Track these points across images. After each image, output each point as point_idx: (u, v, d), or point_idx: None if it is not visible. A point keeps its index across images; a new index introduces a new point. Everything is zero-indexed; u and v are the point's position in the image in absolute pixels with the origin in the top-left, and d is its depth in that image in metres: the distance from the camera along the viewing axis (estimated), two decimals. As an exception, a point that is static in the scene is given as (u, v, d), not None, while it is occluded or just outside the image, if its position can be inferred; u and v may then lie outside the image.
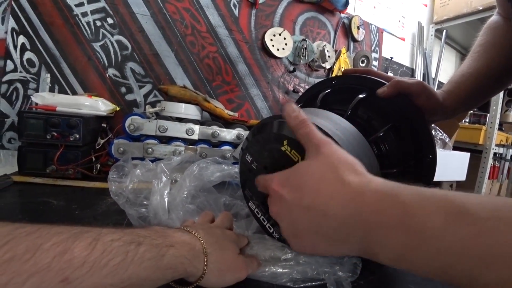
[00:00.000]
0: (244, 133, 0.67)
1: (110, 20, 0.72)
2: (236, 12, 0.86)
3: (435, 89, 1.29)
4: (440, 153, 0.78)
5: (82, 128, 0.55)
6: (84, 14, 0.70)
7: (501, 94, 1.12)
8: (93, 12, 0.71)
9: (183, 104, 0.64)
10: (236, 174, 0.43)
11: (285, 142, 0.28)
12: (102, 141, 0.62)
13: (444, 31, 1.32)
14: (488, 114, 1.15)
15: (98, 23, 0.71)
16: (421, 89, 0.36)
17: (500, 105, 1.11)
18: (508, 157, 1.34)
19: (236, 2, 0.86)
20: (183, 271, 0.20)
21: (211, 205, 0.37)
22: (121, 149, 0.58)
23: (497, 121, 1.10)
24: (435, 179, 0.85)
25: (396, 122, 0.36)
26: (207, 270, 0.21)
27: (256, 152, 0.33)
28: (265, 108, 0.93)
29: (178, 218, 0.32)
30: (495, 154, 1.19)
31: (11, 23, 0.65)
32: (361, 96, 0.37)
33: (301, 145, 0.26)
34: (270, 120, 0.32)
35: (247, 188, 0.36)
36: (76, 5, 0.69)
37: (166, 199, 0.35)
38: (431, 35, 1.33)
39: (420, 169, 0.35)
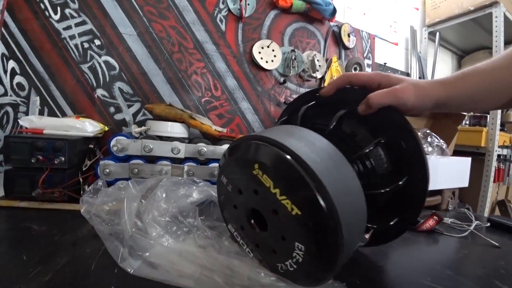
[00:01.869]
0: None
1: (97, 42, 0.75)
2: (222, 27, 0.88)
3: None
4: (439, 160, 0.77)
5: (68, 150, 0.56)
6: (72, 37, 0.73)
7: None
8: (80, 34, 0.74)
9: (169, 123, 0.65)
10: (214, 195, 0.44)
11: (256, 166, 0.27)
12: (89, 162, 0.64)
13: (437, 33, 1.32)
14: (488, 115, 1.13)
15: (86, 45, 0.74)
16: (379, 77, 0.35)
17: (499, 121, 1.10)
18: None
19: (222, 17, 0.88)
20: None
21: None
22: (107, 170, 0.59)
23: (498, 121, 1.09)
24: (436, 187, 0.83)
25: (383, 137, 0.34)
26: None
27: (230, 174, 0.32)
28: (257, 122, 0.94)
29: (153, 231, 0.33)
30: (499, 156, 1.17)
31: (1, 48, 0.68)
32: (342, 111, 0.36)
33: (270, 170, 0.25)
34: (242, 141, 0.31)
35: (226, 210, 0.36)
36: (64, 29, 0.73)
37: (133, 214, 0.35)
38: (425, 38, 1.34)
39: (410, 188, 0.34)
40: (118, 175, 0.60)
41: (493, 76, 0.33)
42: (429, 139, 0.69)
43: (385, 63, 1.19)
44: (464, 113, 0.83)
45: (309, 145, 0.27)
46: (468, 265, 0.43)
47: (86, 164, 0.63)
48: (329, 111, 0.38)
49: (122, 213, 0.33)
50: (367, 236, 0.34)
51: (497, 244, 0.51)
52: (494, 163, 1.07)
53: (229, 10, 0.88)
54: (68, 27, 0.73)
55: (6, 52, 0.69)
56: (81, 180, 0.60)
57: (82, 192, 0.60)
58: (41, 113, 0.72)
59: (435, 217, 0.58)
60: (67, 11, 0.73)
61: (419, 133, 0.69)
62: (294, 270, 0.26)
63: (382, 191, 0.34)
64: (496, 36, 1.07)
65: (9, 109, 0.70)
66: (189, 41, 0.84)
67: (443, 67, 1.52)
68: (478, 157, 1.08)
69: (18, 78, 0.70)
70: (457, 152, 1.01)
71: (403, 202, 0.35)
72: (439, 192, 0.79)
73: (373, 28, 1.18)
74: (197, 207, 0.42)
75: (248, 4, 0.90)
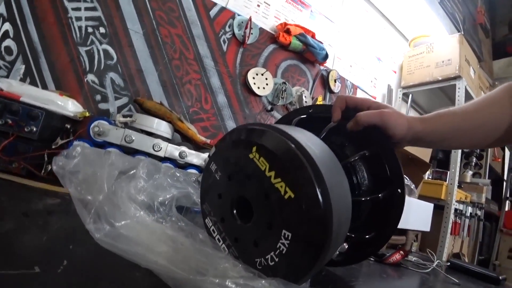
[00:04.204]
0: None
1: (102, 30, 0.78)
2: (224, 47, 0.96)
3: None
4: (407, 199, 0.82)
5: (43, 121, 0.54)
6: (78, 19, 0.75)
7: (459, 155, 1.27)
8: (87, 18, 0.76)
9: (156, 119, 0.66)
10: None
11: (254, 149, 0.28)
12: (61, 142, 0.61)
13: (410, 95, 1.54)
14: (448, 172, 1.28)
15: (90, 30, 0.76)
16: (370, 102, 0.40)
17: (458, 164, 1.25)
18: (468, 214, 1.45)
19: (226, 39, 0.96)
20: None
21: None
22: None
23: (457, 178, 1.23)
24: (403, 226, 0.88)
25: (367, 151, 0.37)
26: None
27: (223, 159, 0.33)
28: (239, 138, 0.97)
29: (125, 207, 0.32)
30: (456, 210, 1.29)
31: (1, 8, 0.67)
32: (332, 124, 0.39)
33: (269, 153, 0.26)
34: (241, 127, 0.32)
35: (206, 202, 0.36)
36: (73, 9, 0.75)
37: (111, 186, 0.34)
38: (399, 98, 1.54)
39: (389, 201, 0.37)
40: (89, 159, 0.57)
41: (465, 118, 0.40)
42: (401, 167, 0.76)
43: (363, 112, 1.33)
44: (429, 164, 0.94)
45: (308, 139, 0.29)
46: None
47: (57, 142, 0.60)
48: (321, 126, 0.41)
49: (99, 178, 0.32)
50: (346, 245, 0.36)
51: (457, 281, 0.55)
52: (452, 216, 1.17)
53: (233, 34, 0.97)
54: (77, 9, 0.75)
55: (5, 13, 0.68)
56: (46, 157, 0.57)
57: (43, 171, 0.57)
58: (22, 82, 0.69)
59: (401, 251, 0.62)
60: None
61: None
62: (275, 264, 0.26)
63: (363, 199, 0.37)
64: (458, 105, 1.28)
65: (-13, 70, 0.67)
66: (191, 52, 0.90)
67: None
68: (438, 210, 1.19)
69: (8, 42, 0.68)
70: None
71: (380, 217, 0.38)
72: (404, 232, 0.84)
73: (356, 80, 1.34)
74: (175, 196, 0.41)
75: (252, 33, 1.00)
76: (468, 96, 1.32)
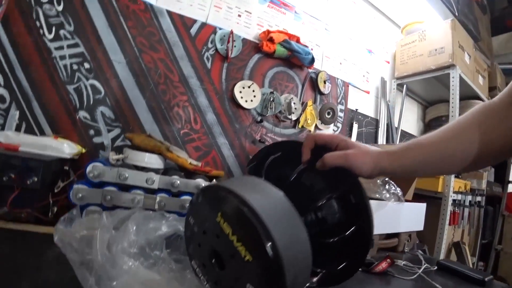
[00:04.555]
0: (205, 183, 0.74)
1: (87, 65, 0.82)
2: (208, 64, 0.99)
3: (398, 137, 1.44)
4: (395, 207, 0.87)
5: (42, 171, 0.60)
6: (62, 57, 0.80)
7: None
8: (71, 56, 0.81)
9: (146, 154, 0.71)
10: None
11: (219, 214, 0.33)
12: (62, 184, 0.67)
13: (405, 85, 1.54)
14: None
15: (75, 67, 0.81)
16: (338, 140, 0.43)
17: None
18: (467, 203, 1.48)
19: (209, 55, 0.99)
20: None
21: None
22: (80, 195, 0.63)
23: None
24: (393, 231, 0.93)
25: (336, 192, 0.42)
26: None
27: (198, 216, 0.38)
28: (231, 156, 1.02)
29: (121, 262, 0.38)
30: (454, 200, 1.32)
31: None
32: (302, 166, 0.44)
33: (230, 219, 0.31)
34: (211, 189, 0.37)
35: (191, 246, 0.42)
36: (56, 48, 0.79)
37: (105, 245, 0.40)
38: (393, 89, 1.55)
39: (358, 237, 0.41)
40: (90, 200, 0.64)
41: (432, 150, 0.42)
42: (386, 187, 0.80)
43: (356, 109, 1.35)
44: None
45: (266, 199, 0.34)
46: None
47: (58, 185, 0.67)
48: (294, 163, 0.46)
49: (94, 243, 0.38)
50: (314, 279, 0.41)
51: (440, 287, 0.60)
52: (450, 207, 1.21)
53: (216, 49, 1.00)
54: (60, 47, 0.80)
55: None
56: (51, 201, 0.64)
57: (50, 213, 0.63)
58: (18, 127, 0.75)
59: (388, 260, 0.67)
60: (61, 32, 0.80)
61: (378, 181, 0.79)
62: None
63: (330, 240, 0.42)
64: (453, 94, 1.28)
65: (-15, 120, 0.73)
66: (175, 74, 0.93)
67: (409, 115, 1.74)
68: (436, 201, 1.23)
69: (0, 90, 0.74)
70: (416, 195, 1.14)
71: (351, 249, 0.43)
72: (396, 235, 0.89)
73: (347, 76, 1.35)
74: (164, 240, 0.47)
75: (235, 46, 1.02)
76: (463, 83, 1.32)
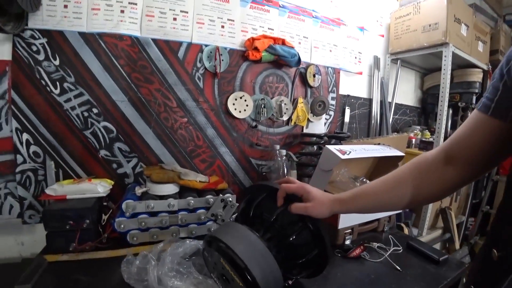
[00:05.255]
0: (213, 198, 0.97)
1: (95, 110, 0.99)
2: (201, 84, 1.12)
3: (391, 112, 1.58)
4: None
5: (91, 215, 0.84)
6: (73, 108, 0.97)
7: (444, 116, 1.41)
8: (80, 105, 0.97)
9: (163, 185, 0.93)
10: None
11: (221, 258, 0.56)
12: (105, 217, 0.92)
13: (399, 60, 1.58)
14: (433, 142, 1.44)
15: (86, 114, 0.98)
16: (302, 192, 0.63)
17: (443, 132, 1.40)
18: None
19: (200, 75, 1.11)
20: None
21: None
22: (122, 225, 0.88)
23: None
24: (373, 218, 1.14)
25: (302, 225, 0.63)
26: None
27: (210, 253, 0.62)
28: (234, 162, 1.23)
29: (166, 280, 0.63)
30: None
31: (15, 123, 0.91)
32: (280, 209, 0.65)
33: (229, 262, 0.54)
34: (215, 240, 0.60)
35: (209, 267, 0.67)
36: (65, 101, 0.96)
37: (155, 273, 0.65)
38: (388, 64, 1.60)
39: (318, 259, 0.64)
40: (130, 227, 0.89)
41: (375, 199, 0.60)
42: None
43: (348, 95, 1.46)
44: (402, 154, 1.13)
45: (248, 246, 0.56)
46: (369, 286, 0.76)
47: (103, 219, 0.91)
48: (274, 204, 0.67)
49: (148, 273, 0.63)
50: (290, 282, 0.66)
51: (399, 268, 0.84)
52: None
53: (205, 68, 1.11)
54: (68, 100, 0.96)
55: (19, 126, 0.92)
56: (101, 231, 0.89)
57: (103, 240, 0.89)
58: (56, 175, 0.97)
59: (362, 246, 0.91)
60: (65, 85, 0.95)
61: (356, 183, 0.98)
62: None
63: (300, 261, 0.65)
64: (444, 71, 1.35)
65: (30, 173, 0.95)
66: (173, 100, 1.08)
67: (406, 86, 1.80)
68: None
69: (33, 148, 0.94)
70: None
71: (315, 264, 0.66)
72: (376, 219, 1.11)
73: (339, 62, 1.42)
74: (191, 259, 0.72)
75: (222, 60, 1.13)
76: (456, 58, 1.35)
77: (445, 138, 1.50)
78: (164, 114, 1.08)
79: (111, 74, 0.99)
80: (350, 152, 0.93)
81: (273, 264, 0.57)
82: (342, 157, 0.88)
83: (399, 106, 1.77)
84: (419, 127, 1.91)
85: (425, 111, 2.11)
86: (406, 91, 1.85)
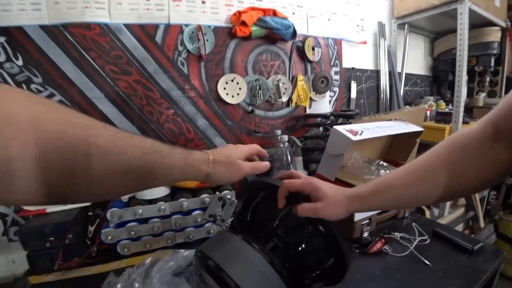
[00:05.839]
0: (209, 197, 0.85)
1: (70, 110, 0.87)
2: (185, 70, 0.98)
3: (402, 83, 1.40)
4: None
5: (74, 228, 0.74)
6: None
7: (464, 84, 1.24)
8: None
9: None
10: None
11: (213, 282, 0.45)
12: (92, 228, 0.82)
13: (406, 25, 1.40)
14: (452, 112, 1.28)
15: (60, 115, 0.86)
16: (310, 189, 0.49)
17: (462, 102, 1.24)
18: None
19: (183, 60, 0.98)
20: (199, 169, 0.42)
21: None
22: (109, 236, 0.78)
23: (461, 119, 1.24)
24: None
25: (313, 228, 0.50)
26: (211, 171, 0.44)
27: (199, 273, 0.51)
28: (231, 153, 1.10)
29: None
30: None
31: None
32: (284, 211, 0.52)
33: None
34: (205, 257, 0.48)
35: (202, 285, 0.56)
36: None
37: None
38: (394, 31, 1.42)
39: (333, 272, 0.51)
40: (119, 238, 0.79)
41: (403, 193, 0.46)
42: (381, 171, 0.86)
43: (353, 67, 1.30)
44: (421, 129, 0.98)
45: (246, 265, 0.44)
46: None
47: (90, 231, 0.81)
48: (270, 205, 0.54)
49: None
50: None
51: (428, 262, 0.72)
52: None
53: (188, 51, 0.97)
54: None
55: None
56: (89, 243, 0.79)
57: (93, 254, 0.80)
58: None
59: (383, 239, 0.79)
60: (32, 86, 0.84)
61: (372, 167, 0.85)
62: None
63: (314, 275, 0.53)
64: (461, 30, 1.17)
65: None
66: (155, 91, 0.96)
67: (416, 52, 1.62)
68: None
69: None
70: (422, 146, 1.19)
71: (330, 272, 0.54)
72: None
73: (339, 32, 1.26)
74: (183, 276, 0.62)
75: (207, 40, 0.98)
76: (471, 16, 1.16)
77: (465, 107, 1.36)
78: (148, 107, 0.95)
79: (83, 69, 0.87)
80: (362, 131, 0.79)
81: (276, 283, 0.45)
82: (354, 138, 0.74)
83: (409, 76, 1.60)
84: (432, 97, 1.75)
85: (437, 80, 1.93)
86: (415, 59, 1.67)
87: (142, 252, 0.80)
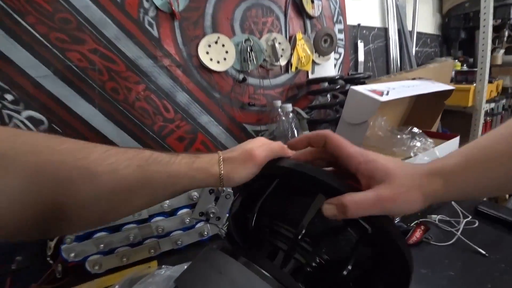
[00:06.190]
0: (197, 190, 0.67)
1: (9, 97, 0.66)
2: (155, 32, 0.77)
3: (413, 45, 1.19)
4: (425, 159, 0.75)
5: (24, 248, 0.56)
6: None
7: (491, 32, 1.05)
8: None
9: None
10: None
11: None
12: (52, 244, 0.64)
13: None
14: (475, 72, 1.10)
15: (-2, 105, 0.66)
16: (363, 166, 0.28)
17: (488, 57, 1.05)
18: (500, 109, 1.32)
19: (151, 20, 0.76)
20: (208, 172, 0.32)
21: None
22: (73, 254, 0.60)
23: (487, 76, 1.06)
24: None
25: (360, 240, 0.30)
26: (223, 172, 0.33)
27: None
28: (222, 133, 0.91)
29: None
30: (486, 112, 1.18)
31: None
32: (304, 224, 0.31)
33: None
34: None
35: None
36: None
37: None
38: None
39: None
40: (86, 253, 0.61)
41: (502, 170, 0.26)
42: (416, 143, 0.67)
43: (359, 24, 1.09)
44: (452, 87, 0.80)
45: None
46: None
47: (49, 246, 0.63)
48: (288, 202, 0.35)
49: None
50: None
51: (484, 252, 0.55)
52: (482, 121, 1.09)
53: (157, 8, 0.76)
54: None
55: None
56: (51, 262, 0.62)
57: (58, 274, 0.62)
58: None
59: (422, 226, 0.62)
60: None
61: (403, 136, 0.66)
62: None
63: None
64: None
65: None
66: (119, 62, 0.75)
67: (423, 8, 1.41)
68: (466, 116, 1.10)
69: None
70: (446, 111, 1.01)
71: None
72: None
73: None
74: None
75: (180, -7, 0.76)
76: None
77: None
78: (111, 83, 0.75)
79: (21, 41, 0.65)
80: (388, 91, 0.61)
81: None
82: (381, 99, 0.55)
83: (418, 36, 1.39)
84: (444, 58, 1.56)
85: (447, 39, 1.73)
86: (423, 17, 1.46)
87: (120, 268, 0.63)
